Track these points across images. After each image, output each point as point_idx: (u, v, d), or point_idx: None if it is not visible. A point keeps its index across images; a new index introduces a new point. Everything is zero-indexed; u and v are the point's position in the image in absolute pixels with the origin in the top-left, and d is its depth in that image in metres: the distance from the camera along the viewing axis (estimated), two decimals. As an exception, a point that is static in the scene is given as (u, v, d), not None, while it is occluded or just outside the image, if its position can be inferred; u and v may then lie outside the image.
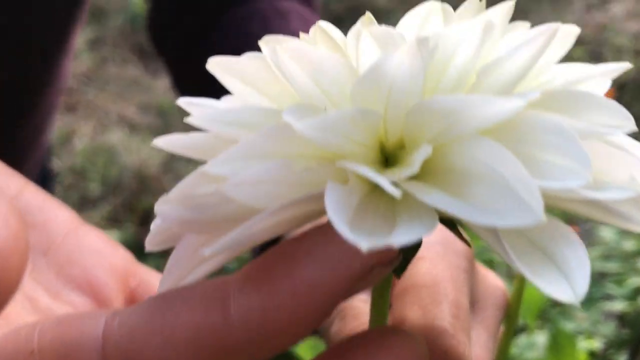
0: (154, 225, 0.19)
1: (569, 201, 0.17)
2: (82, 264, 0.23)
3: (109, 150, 1.56)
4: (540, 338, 0.64)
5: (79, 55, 1.85)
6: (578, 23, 0.18)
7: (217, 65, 0.19)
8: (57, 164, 1.47)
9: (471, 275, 0.25)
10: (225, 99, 0.22)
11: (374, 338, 0.16)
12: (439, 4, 0.17)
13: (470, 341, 0.24)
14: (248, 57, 0.19)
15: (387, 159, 0.18)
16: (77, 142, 1.60)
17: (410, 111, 0.17)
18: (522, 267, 0.15)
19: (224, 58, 0.18)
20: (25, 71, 0.47)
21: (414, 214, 0.16)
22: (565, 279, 0.15)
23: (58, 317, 0.17)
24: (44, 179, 0.60)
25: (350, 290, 0.15)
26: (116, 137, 1.61)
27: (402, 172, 0.16)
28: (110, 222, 1.36)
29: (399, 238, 0.14)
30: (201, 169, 0.20)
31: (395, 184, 0.15)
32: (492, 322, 0.26)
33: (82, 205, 1.41)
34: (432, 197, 0.15)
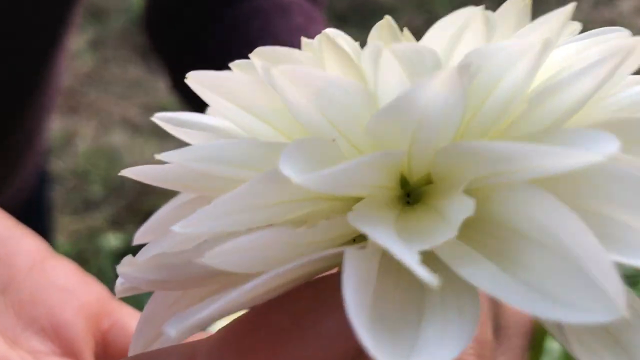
0: (118, 284, 0.15)
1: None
2: (47, 303, 0.20)
3: (111, 151, 1.53)
4: (556, 345, 0.61)
5: (81, 55, 1.82)
6: (586, 19, 0.14)
7: (197, 82, 0.15)
8: (59, 165, 1.44)
9: (494, 303, 0.23)
10: (210, 111, 0.19)
11: None
12: (479, 12, 0.13)
13: None
14: (235, 71, 0.15)
15: (409, 193, 0.15)
16: (79, 144, 1.57)
17: (444, 151, 0.13)
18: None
19: (205, 74, 0.15)
20: (17, 72, 0.45)
21: (448, 290, 0.12)
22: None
23: None
24: (42, 182, 0.57)
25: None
26: (119, 138, 1.58)
27: (433, 233, 0.12)
28: (113, 225, 1.33)
29: (427, 356, 0.10)
30: (169, 210, 0.17)
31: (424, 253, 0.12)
32: (517, 353, 0.23)
33: (84, 208, 1.38)
34: (471, 269, 0.12)
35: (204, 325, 0.12)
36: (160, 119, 0.17)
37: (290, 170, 0.11)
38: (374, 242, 0.13)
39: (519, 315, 0.24)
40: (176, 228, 0.12)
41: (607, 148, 0.11)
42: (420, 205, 0.14)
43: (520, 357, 0.24)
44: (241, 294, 0.11)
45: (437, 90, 0.11)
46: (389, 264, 0.13)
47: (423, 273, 0.10)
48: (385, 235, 0.12)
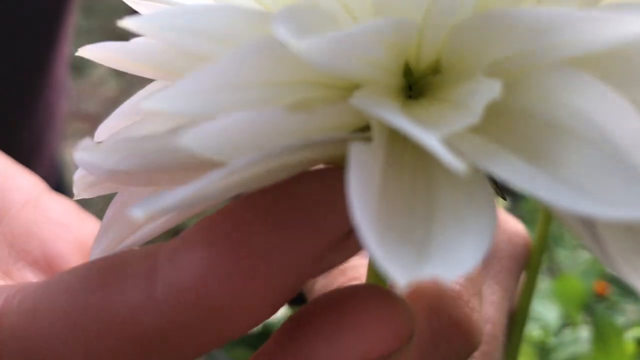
0: (76, 177, 0.13)
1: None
2: (41, 235, 0.19)
3: None
4: (585, 333, 0.62)
5: (105, 81, 1.84)
6: None
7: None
8: None
9: None
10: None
11: (356, 296, 0.12)
12: None
13: (482, 300, 0.20)
14: None
15: (411, 86, 0.13)
16: None
17: (464, 24, 0.11)
18: (625, 272, 0.10)
19: None
20: (14, 77, 0.43)
21: (459, 188, 0.10)
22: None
23: None
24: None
25: (321, 263, 0.12)
26: None
27: (451, 118, 0.10)
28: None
29: (446, 267, 0.09)
30: (140, 96, 0.15)
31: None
32: (508, 276, 0.23)
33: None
34: (497, 163, 0.10)
35: (179, 210, 0.10)
36: (131, 1, 0.15)
37: (287, 34, 0.09)
38: (379, 134, 0.11)
39: (514, 236, 0.23)
40: (149, 103, 0.10)
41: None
42: (426, 99, 0.13)
43: (511, 282, 0.23)
44: (226, 174, 0.09)
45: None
46: (393, 157, 0.12)
47: (449, 157, 0.09)
48: (399, 118, 0.10)
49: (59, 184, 0.56)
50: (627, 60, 0.10)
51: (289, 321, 0.13)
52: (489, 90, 0.10)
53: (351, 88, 0.12)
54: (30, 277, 0.19)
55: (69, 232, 0.19)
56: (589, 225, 0.10)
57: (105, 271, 0.12)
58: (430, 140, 0.09)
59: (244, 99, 0.11)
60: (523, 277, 0.25)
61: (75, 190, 0.14)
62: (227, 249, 0.11)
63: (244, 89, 0.10)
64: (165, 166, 0.11)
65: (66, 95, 0.51)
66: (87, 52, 0.13)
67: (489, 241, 0.10)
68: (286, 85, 0.11)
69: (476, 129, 0.11)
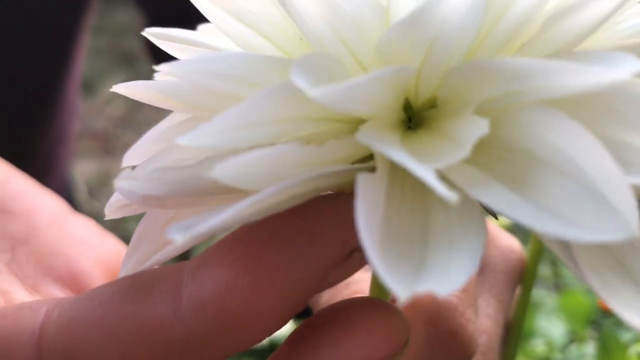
0: (113, 199, 0.15)
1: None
2: (65, 253, 0.20)
3: None
4: (591, 349, 0.62)
5: (114, 100, 1.88)
6: None
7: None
8: (95, 206, 1.46)
9: None
10: (202, 29, 0.18)
11: (357, 307, 0.14)
12: None
13: (477, 312, 0.22)
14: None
15: (411, 118, 0.15)
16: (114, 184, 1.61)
17: (457, 69, 0.13)
18: (597, 286, 0.11)
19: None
20: (27, 97, 0.44)
21: (452, 213, 0.12)
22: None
23: None
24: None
25: (326, 278, 0.13)
26: None
27: (445, 153, 0.12)
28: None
29: (436, 283, 0.10)
30: (170, 123, 0.16)
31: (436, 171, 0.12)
32: (503, 290, 0.24)
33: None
34: (483, 191, 0.12)
35: (210, 235, 0.12)
36: (150, 34, 0.17)
37: (304, 83, 0.11)
38: (382, 166, 0.13)
39: (509, 252, 0.24)
40: (182, 140, 0.11)
41: (630, 66, 0.11)
42: (423, 130, 0.14)
43: (506, 295, 0.24)
44: (251, 203, 0.11)
45: (457, 2, 0.11)
46: (393, 185, 0.13)
47: (442, 189, 0.10)
48: (399, 154, 0.11)
49: (70, 201, 0.57)
50: (596, 100, 0.12)
51: (297, 330, 0.14)
52: (478, 127, 0.12)
53: (357, 122, 0.14)
54: (56, 292, 0.20)
55: (91, 250, 0.21)
56: (565, 245, 0.11)
57: (136, 287, 0.13)
58: (426, 173, 0.11)
59: (262, 135, 0.12)
60: (518, 290, 0.26)
61: (107, 212, 0.16)
62: (243, 266, 0.12)
63: (262, 127, 0.12)
64: (193, 192, 0.13)
65: (77, 115, 0.52)
66: (121, 89, 0.15)
67: (477, 261, 0.11)
68: (300, 121, 0.13)
69: (467, 160, 0.13)
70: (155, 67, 0.13)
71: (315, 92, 0.11)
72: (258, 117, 0.12)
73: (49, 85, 0.46)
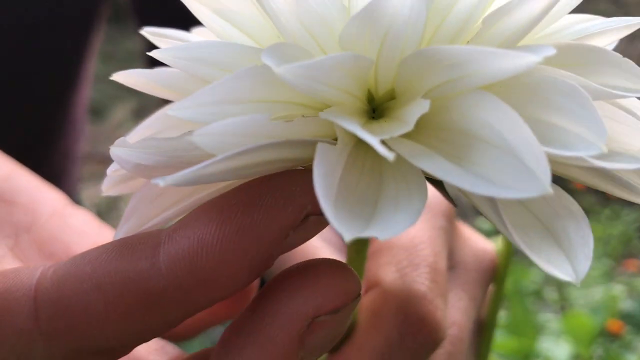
0: (109, 170, 0.17)
1: (573, 167, 0.15)
2: (65, 241, 0.22)
3: None
4: None
5: (125, 124, 1.96)
6: (622, 54, 0.16)
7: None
8: None
9: (452, 236, 0.24)
10: (195, 32, 0.20)
11: (316, 265, 0.16)
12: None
13: (447, 305, 0.23)
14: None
15: (375, 109, 0.17)
16: (124, 207, 1.61)
17: (407, 59, 0.15)
18: (521, 243, 0.13)
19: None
20: (33, 120, 0.46)
21: (402, 185, 0.14)
22: (566, 256, 0.13)
23: None
24: None
25: (286, 240, 0.15)
26: None
27: (393, 129, 0.14)
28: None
29: (380, 229, 0.12)
30: (163, 111, 0.18)
31: (385, 142, 0.14)
32: (475, 286, 0.25)
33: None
34: (425, 161, 0.13)
35: (184, 184, 0.14)
36: (147, 32, 0.19)
37: (271, 62, 0.13)
38: (342, 140, 0.15)
39: (481, 252, 0.26)
40: (169, 111, 0.13)
41: (544, 52, 0.13)
42: (383, 119, 0.16)
43: (477, 292, 0.25)
44: (214, 161, 0.13)
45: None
46: (354, 161, 0.15)
47: (382, 149, 0.12)
48: (353, 125, 0.13)
49: None
50: (525, 88, 0.14)
51: (261, 290, 0.16)
52: (421, 106, 0.14)
53: (325, 108, 0.16)
54: None
55: (88, 238, 0.23)
56: (494, 206, 0.13)
57: (120, 247, 0.15)
58: (372, 139, 0.13)
59: (236, 112, 0.14)
60: (490, 289, 0.27)
61: (104, 187, 0.18)
62: (213, 226, 0.14)
63: (237, 104, 0.14)
64: (178, 163, 0.15)
65: (83, 139, 0.54)
66: (120, 77, 0.17)
67: (415, 219, 0.13)
68: (272, 104, 0.15)
69: (416, 139, 0.15)
70: (150, 54, 0.15)
71: (280, 69, 0.13)
72: (233, 95, 0.14)
73: (55, 108, 0.48)
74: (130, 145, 0.14)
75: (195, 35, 0.20)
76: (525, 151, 0.13)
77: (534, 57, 0.13)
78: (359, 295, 0.15)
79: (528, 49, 0.14)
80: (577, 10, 0.17)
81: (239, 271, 0.14)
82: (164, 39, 0.18)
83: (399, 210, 0.13)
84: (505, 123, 0.13)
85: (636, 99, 0.17)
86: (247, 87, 0.14)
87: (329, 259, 0.16)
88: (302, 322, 0.15)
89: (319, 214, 0.14)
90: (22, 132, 0.48)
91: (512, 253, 0.28)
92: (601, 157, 0.14)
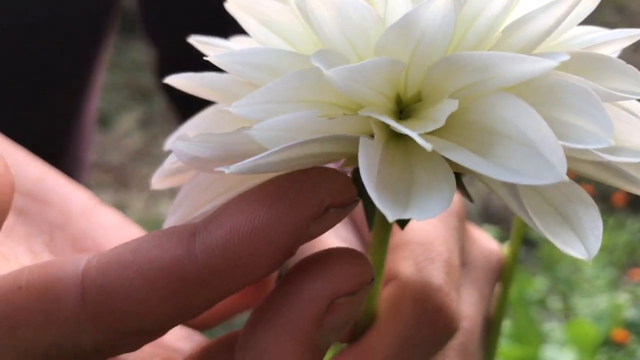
0: (167, 164, 0.18)
1: (582, 162, 0.17)
2: (95, 237, 0.24)
3: (160, 221, 1.59)
4: None
5: (131, 134, 1.98)
6: (626, 61, 0.18)
7: (236, 4, 0.18)
8: None
9: (463, 235, 0.26)
10: (234, 40, 0.22)
11: (332, 253, 0.17)
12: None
13: (460, 297, 0.24)
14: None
15: (402, 111, 0.18)
16: (130, 215, 1.63)
17: (435, 65, 0.16)
18: (539, 226, 0.15)
19: (245, -2, 0.18)
20: (43, 129, 0.47)
21: (432, 176, 0.16)
22: (578, 238, 0.15)
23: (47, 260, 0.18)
24: None
25: (308, 231, 0.16)
26: (167, 208, 1.66)
27: (426, 125, 0.16)
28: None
29: (418, 212, 0.14)
30: (216, 107, 0.20)
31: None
32: (484, 284, 0.26)
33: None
34: (454, 153, 0.15)
35: (245, 172, 0.15)
36: (195, 40, 0.21)
37: (322, 66, 0.15)
38: (378, 136, 0.17)
39: (489, 252, 0.27)
40: (230, 108, 0.15)
41: (560, 57, 0.15)
42: (411, 119, 0.18)
43: (487, 289, 0.27)
44: (270, 153, 0.15)
45: (436, 9, 0.15)
46: (386, 156, 0.17)
47: (422, 140, 0.14)
48: (390, 121, 0.15)
49: None
50: (542, 90, 0.16)
51: (284, 276, 0.18)
52: (450, 105, 0.16)
53: (360, 109, 0.17)
54: None
55: (116, 234, 0.25)
56: (514, 192, 0.15)
57: (160, 237, 0.17)
58: (411, 132, 0.14)
59: (286, 110, 0.16)
60: (497, 288, 0.29)
61: (154, 180, 0.19)
62: (244, 218, 0.16)
63: (286, 103, 0.16)
64: (233, 156, 0.17)
65: (91, 148, 0.54)
66: (171, 80, 0.19)
67: (447, 204, 0.15)
68: (315, 104, 0.17)
69: (444, 135, 0.17)
70: (207, 59, 0.17)
71: (329, 71, 0.14)
72: (283, 95, 0.16)
73: (64, 118, 0.48)
74: (190, 139, 0.16)
75: (235, 43, 0.21)
76: (543, 144, 0.15)
77: (551, 62, 0.14)
78: (372, 279, 0.17)
79: (545, 55, 0.15)
80: (585, 21, 0.19)
81: (267, 258, 0.16)
82: (209, 47, 0.20)
83: (432, 196, 0.15)
84: (524, 119, 0.15)
85: (637, 101, 0.19)
86: (295, 89, 0.16)
87: (344, 248, 0.18)
88: (322, 304, 0.17)
89: (338, 206, 0.16)
90: (31, 140, 0.48)
91: (517, 255, 0.29)
92: (608, 151, 0.16)
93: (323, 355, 0.17)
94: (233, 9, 0.19)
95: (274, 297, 0.17)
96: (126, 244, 0.17)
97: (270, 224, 0.16)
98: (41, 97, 0.46)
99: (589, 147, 0.15)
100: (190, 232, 0.16)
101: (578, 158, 0.17)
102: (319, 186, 0.16)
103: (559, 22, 0.17)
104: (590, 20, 0.20)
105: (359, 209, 0.19)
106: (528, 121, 0.15)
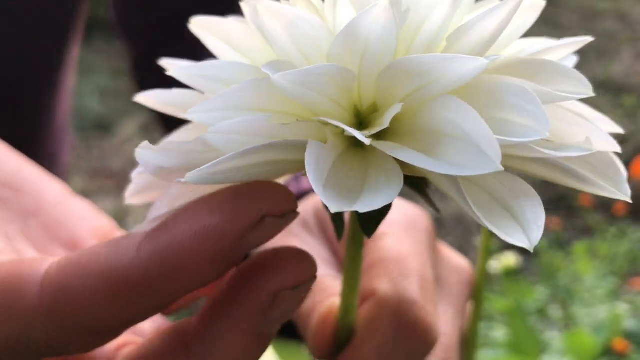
0: (134, 174, 0.19)
1: (528, 161, 0.18)
2: (69, 226, 0.25)
3: None
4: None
5: (132, 140, 1.97)
6: (627, 72, 0.19)
7: (199, 25, 0.19)
8: None
9: (434, 252, 0.27)
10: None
11: (280, 251, 0.19)
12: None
13: (436, 310, 0.25)
14: (230, 18, 0.20)
15: (362, 123, 0.19)
16: (131, 222, 1.68)
17: (383, 72, 0.17)
18: (482, 217, 0.16)
19: (207, 18, 0.19)
20: (12, 124, 0.46)
21: (382, 176, 0.16)
22: (521, 227, 0.16)
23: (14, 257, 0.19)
24: None
25: (246, 239, 0.17)
26: None
27: (374, 129, 0.17)
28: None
29: (363, 205, 0.15)
30: (186, 126, 0.21)
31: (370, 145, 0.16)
32: (458, 300, 0.27)
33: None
34: (398, 152, 0.16)
35: (201, 182, 0.16)
36: (165, 63, 0.22)
37: (269, 72, 0.16)
38: (332, 143, 0.17)
39: (460, 268, 0.28)
40: (188, 114, 0.16)
41: (491, 57, 0.15)
42: (367, 128, 0.19)
43: (461, 304, 0.27)
44: (225, 159, 0.16)
45: (376, 16, 0.16)
46: (344, 162, 0.18)
47: (359, 135, 0.15)
48: (340, 122, 0.16)
49: None
50: (483, 91, 0.17)
51: (236, 270, 0.19)
52: (394, 108, 0.16)
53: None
54: (60, 253, 0.25)
55: (89, 223, 0.26)
56: (456, 184, 0.16)
57: (112, 243, 0.18)
58: (354, 131, 0.15)
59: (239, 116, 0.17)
60: (469, 306, 0.29)
61: (127, 194, 0.20)
62: (186, 225, 0.17)
63: (241, 110, 0.17)
64: (195, 165, 0.17)
65: (69, 147, 0.54)
66: (141, 99, 0.20)
67: (392, 199, 0.16)
68: (271, 113, 0.18)
69: (397, 140, 0.17)
70: (169, 73, 0.18)
71: (275, 76, 0.15)
72: (238, 102, 0.17)
73: (34, 112, 0.48)
74: (153, 148, 0.17)
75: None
76: (480, 138, 0.15)
77: (483, 60, 0.15)
78: (314, 276, 0.18)
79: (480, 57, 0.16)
80: (586, 30, 0.20)
81: (206, 264, 0.17)
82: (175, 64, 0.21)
83: (380, 192, 0.16)
84: (465, 118, 0.16)
85: (585, 106, 0.20)
86: (249, 96, 0.17)
87: (291, 247, 0.19)
88: (268, 296, 0.18)
89: (276, 215, 0.17)
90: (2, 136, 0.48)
91: (485, 272, 0.30)
92: (553, 149, 0.17)
93: (268, 341, 0.18)
94: (197, 30, 0.20)
95: (226, 289, 0.19)
96: (88, 248, 0.18)
97: (208, 231, 0.17)
98: (9, 88, 0.46)
99: (525, 140, 0.16)
100: (137, 239, 0.17)
101: (525, 157, 0.17)
102: (256, 196, 0.17)
103: (500, 29, 0.18)
104: (591, 29, 0.21)
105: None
106: (468, 119, 0.16)
